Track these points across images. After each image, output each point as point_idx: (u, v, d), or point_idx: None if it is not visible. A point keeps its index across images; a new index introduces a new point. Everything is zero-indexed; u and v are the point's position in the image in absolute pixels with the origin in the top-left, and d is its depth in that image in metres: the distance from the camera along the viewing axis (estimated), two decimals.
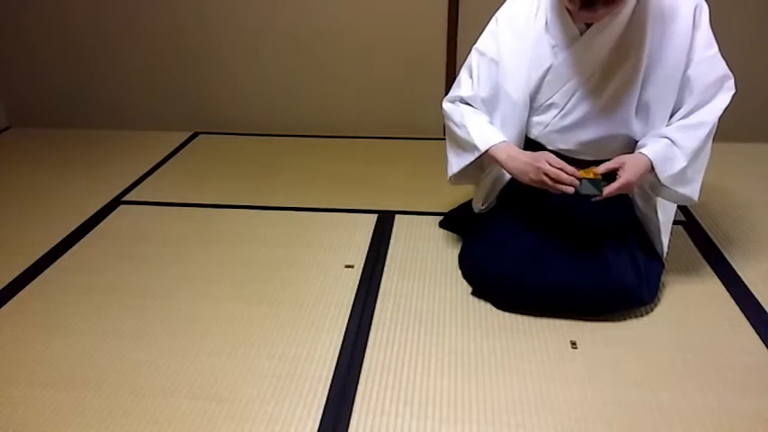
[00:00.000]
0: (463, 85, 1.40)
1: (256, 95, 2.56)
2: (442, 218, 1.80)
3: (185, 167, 2.30)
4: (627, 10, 1.21)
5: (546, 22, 1.27)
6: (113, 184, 2.14)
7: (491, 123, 1.37)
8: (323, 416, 1.13)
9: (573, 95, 1.29)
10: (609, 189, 1.23)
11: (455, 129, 1.40)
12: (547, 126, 1.34)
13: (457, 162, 1.44)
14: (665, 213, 1.42)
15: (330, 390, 1.19)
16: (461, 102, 1.41)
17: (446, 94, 2.47)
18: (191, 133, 2.62)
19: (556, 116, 1.32)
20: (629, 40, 1.23)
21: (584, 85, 1.28)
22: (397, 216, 1.85)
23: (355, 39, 2.40)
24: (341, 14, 2.36)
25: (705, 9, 1.23)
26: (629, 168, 1.23)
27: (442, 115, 1.46)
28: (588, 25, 1.24)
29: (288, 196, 2.01)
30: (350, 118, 2.56)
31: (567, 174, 1.23)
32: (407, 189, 2.04)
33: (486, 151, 1.33)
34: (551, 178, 1.23)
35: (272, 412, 1.14)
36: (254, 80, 2.53)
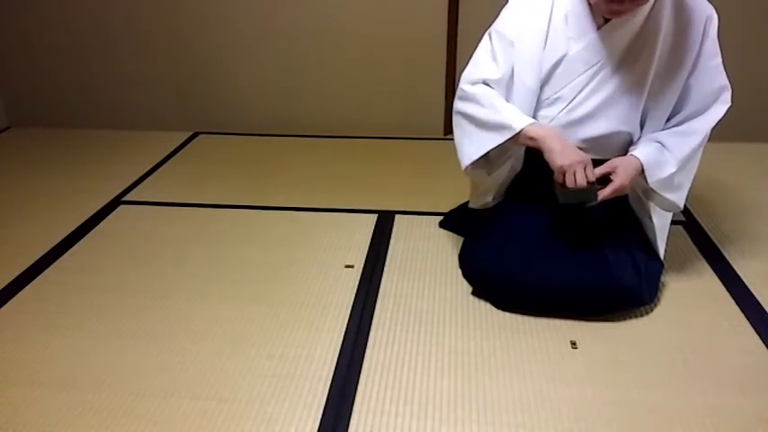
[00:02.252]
0: (486, 68, 1.35)
1: (256, 95, 2.56)
2: (442, 218, 1.80)
3: (185, 167, 2.30)
4: (645, 9, 1.23)
5: (566, 14, 1.27)
6: (113, 184, 2.14)
7: None
8: (323, 416, 1.13)
9: (582, 90, 1.30)
10: (603, 193, 1.25)
11: (480, 110, 1.33)
12: (552, 120, 1.33)
13: (479, 146, 1.36)
14: (661, 219, 1.42)
15: (330, 390, 1.19)
16: (486, 81, 1.35)
17: (446, 94, 2.50)
18: (191, 133, 2.62)
19: (562, 110, 1.32)
20: (643, 39, 1.24)
21: (594, 80, 1.28)
22: (397, 216, 1.85)
23: (355, 39, 2.40)
24: (341, 14, 2.36)
25: (715, 20, 1.25)
26: (621, 172, 1.25)
27: (459, 96, 1.38)
28: (606, 20, 1.25)
29: (288, 196, 2.01)
30: (350, 118, 2.56)
31: (583, 184, 1.23)
32: (407, 189, 2.04)
33: (522, 130, 1.27)
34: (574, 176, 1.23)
35: (272, 412, 1.14)
36: (254, 80, 2.53)
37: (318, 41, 2.42)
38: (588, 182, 1.25)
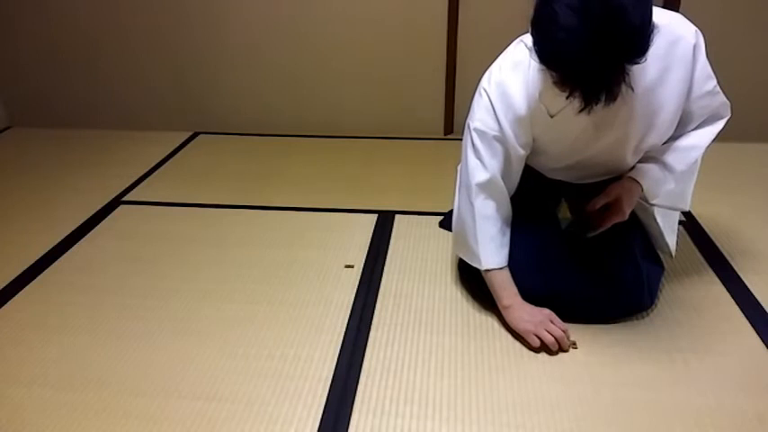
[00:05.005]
0: (472, 170, 1.31)
1: (256, 96, 2.57)
2: (442, 218, 1.80)
3: (185, 167, 2.30)
4: None
5: (540, 92, 1.19)
6: (113, 184, 2.14)
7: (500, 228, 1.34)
8: (323, 416, 1.13)
9: (568, 148, 1.28)
10: (603, 224, 1.27)
11: (465, 228, 1.35)
12: (543, 163, 1.36)
13: (458, 248, 1.43)
14: (668, 216, 1.42)
15: (330, 390, 1.19)
16: (477, 187, 1.30)
17: (446, 94, 2.50)
18: (191, 133, 2.62)
19: (551, 160, 1.33)
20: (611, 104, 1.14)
21: (578, 140, 1.25)
22: (397, 216, 1.85)
23: (355, 39, 2.40)
24: (341, 15, 2.36)
25: (701, 45, 1.17)
26: (626, 201, 1.25)
27: (460, 191, 1.38)
28: None
29: (288, 196, 2.01)
30: (350, 118, 2.56)
31: (564, 340, 1.25)
32: (407, 189, 2.04)
33: (486, 271, 1.33)
34: (548, 337, 1.25)
35: (272, 412, 1.14)
36: (254, 80, 2.53)
37: (318, 42, 2.42)
38: (587, 212, 1.29)
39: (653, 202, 1.32)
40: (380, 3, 2.32)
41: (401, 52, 2.40)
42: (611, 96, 1.01)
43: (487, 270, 1.33)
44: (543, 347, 1.26)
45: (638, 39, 0.94)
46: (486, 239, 1.32)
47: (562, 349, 1.26)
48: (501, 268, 1.33)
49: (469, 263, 1.38)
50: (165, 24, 2.46)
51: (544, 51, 1.01)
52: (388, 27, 2.36)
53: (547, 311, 1.29)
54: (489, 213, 1.32)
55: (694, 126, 1.27)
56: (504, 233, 1.35)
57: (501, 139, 1.26)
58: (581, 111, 1.04)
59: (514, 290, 1.32)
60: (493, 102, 1.24)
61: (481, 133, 1.27)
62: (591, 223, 1.30)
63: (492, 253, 1.33)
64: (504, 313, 1.32)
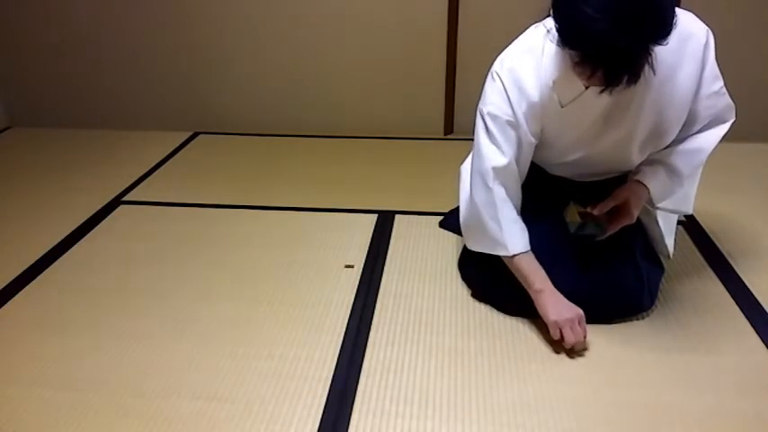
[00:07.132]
0: (488, 155, 1.28)
1: (256, 96, 2.57)
2: (442, 218, 1.80)
3: (185, 167, 2.30)
4: None
5: (554, 81, 1.18)
6: (113, 184, 2.14)
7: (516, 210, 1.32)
8: (323, 416, 1.13)
9: (575, 141, 1.27)
10: (612, 227, 1.27)
11: (482, 217, 1.32)
12: (548, 157, 1.35)
13: (475, 242, 1.39)
14: (667, 218, 1.42)
15: (330, 390, 1.19)
16: (494, 171, 1.28)
17: (446, 93, 2.50)
18: (191, 133, 2.62)
19: (556, 154, 1.32)
20: (631, 87, 1.14)
21: (586, 133, 1.24)
22: (397, 216, 1.85)
23: (355, 39, 2.40)
24: (341, 15, 2.36)
25: (712, 44, 1.18)
26: (633, 205, 1.26)
27: (472, 185, 1.35)
28: None
29: (288, 196, 2.01)
30: (350, 118, 2.56)
31: (581, 345, 1.25)
32: (407, 189, 2.04)
33: (514, 256, 1.29)
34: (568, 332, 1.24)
35: (272, 412, 1.14)
36: (254, 80, 2.53)
37: (318, 42, 2.42)
38: (595, 215, 1.28)
39: (658, 205, 1.32)
40: (381, 3, 2.32)
41: (401, 52, 2.40)
42: (634, 77, 1.00)
43: (515, 255, 1.29)
44: (558, 342, 1.25)
45: (665, 17, 0.95)
46: (509, 223, 1.30)
47: (572, 350, 1.25)
48: (527, 252, 1.30)
49: (492, 253, 1.33)
50: (165, 24, 2.46)
51: (570, 28, 1.00)
52: (389, 27, 2.36)
53: (579, 312, 1.25)
54: (508, 197, 1.30)
55: (699, 128, 1.26)
56: (521, 218, 1.33)
57: (514, 125, 1.25)
58: (602, 91, 1.04)
59: (543, 273, 1.29)
60: (506, 87, 1.23)
61: (494, 117, 1.26)
62: (600, 225, 1.30)
63: (517, 236, 1.30)
64: (534, 297, 1.28)
